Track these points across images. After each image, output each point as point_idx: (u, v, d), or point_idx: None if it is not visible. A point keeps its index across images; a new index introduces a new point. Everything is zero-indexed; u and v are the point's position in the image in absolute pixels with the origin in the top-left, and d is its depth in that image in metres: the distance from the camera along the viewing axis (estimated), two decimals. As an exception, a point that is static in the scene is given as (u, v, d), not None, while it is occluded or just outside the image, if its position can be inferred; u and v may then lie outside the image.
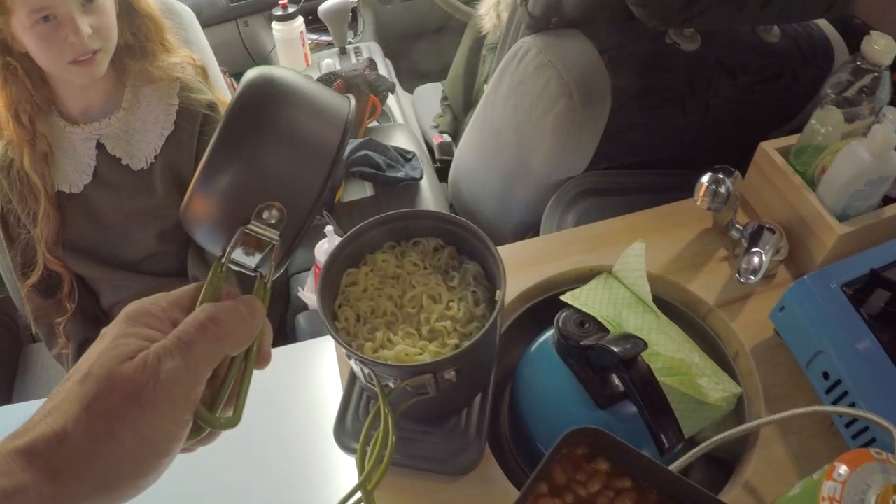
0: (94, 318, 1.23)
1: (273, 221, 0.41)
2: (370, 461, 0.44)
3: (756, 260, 0.73)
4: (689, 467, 0.70)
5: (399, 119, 1.55)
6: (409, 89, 1.91)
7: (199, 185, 0.40)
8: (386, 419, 0.48)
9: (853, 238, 0.76)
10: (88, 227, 1.14)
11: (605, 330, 0.67)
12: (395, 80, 1.79)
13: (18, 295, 1.22)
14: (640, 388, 0.59)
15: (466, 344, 0.52)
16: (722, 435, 0.58)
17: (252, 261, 0.42)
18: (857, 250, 0.74)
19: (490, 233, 0.58)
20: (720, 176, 0.71)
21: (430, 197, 1.25)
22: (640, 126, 0.88)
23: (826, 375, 0.66)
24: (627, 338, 0.61)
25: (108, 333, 0.37)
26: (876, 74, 0.79)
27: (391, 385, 0.54)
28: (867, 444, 0.62)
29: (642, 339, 0.60)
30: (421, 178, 1.24)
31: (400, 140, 1.37)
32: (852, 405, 0.63)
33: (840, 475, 0.51)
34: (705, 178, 0.72)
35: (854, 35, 1.11)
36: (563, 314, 0.67)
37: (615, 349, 0.60)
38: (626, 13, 0.80)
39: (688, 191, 0.79)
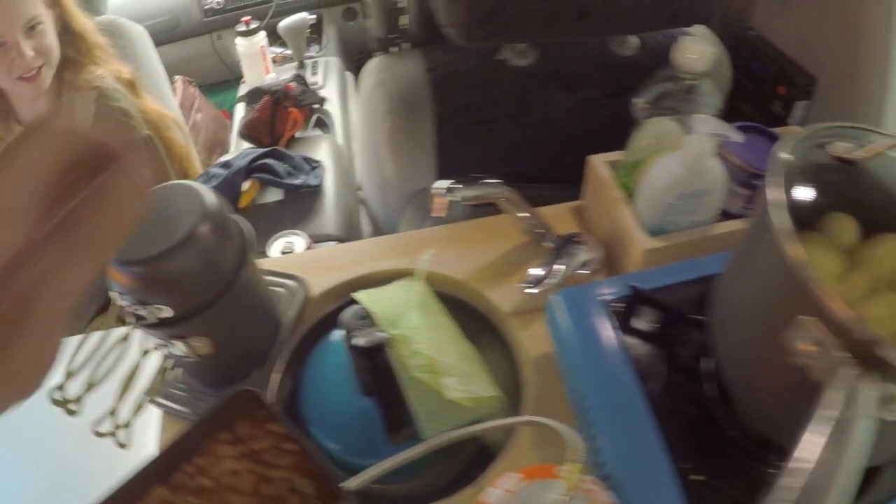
0: None
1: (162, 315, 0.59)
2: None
3: (538, 272, 0.74)
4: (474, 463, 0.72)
5: (339, 130, 1.62)
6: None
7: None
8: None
9: (663, 254, 0.74)
10: None
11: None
12: (354, 92, 1.85)
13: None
14: (380, 378, 0.64)
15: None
16: (447, 434, 0.61)
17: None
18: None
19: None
20: (452, 185, 0.73)
21: (330, 203, 1.31)
22: (475, 140, 0.91)
23: (575, 390, 0.66)
24: (373, 333, 0.66)
25: None
26: (693, 82, 0.77)
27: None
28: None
29: (385, 334, 0.66)
30: (318, 185, 1.31)
31: (321, 150, 1.43)
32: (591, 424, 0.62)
33: (507, 485, 0.53)
34: (438, 185, 0.74)
35: (749, 47, 1.09)
36: (352, 309, 0.72)
37: (359, 341, 0.65)
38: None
39: (546, 204, 0.82)
